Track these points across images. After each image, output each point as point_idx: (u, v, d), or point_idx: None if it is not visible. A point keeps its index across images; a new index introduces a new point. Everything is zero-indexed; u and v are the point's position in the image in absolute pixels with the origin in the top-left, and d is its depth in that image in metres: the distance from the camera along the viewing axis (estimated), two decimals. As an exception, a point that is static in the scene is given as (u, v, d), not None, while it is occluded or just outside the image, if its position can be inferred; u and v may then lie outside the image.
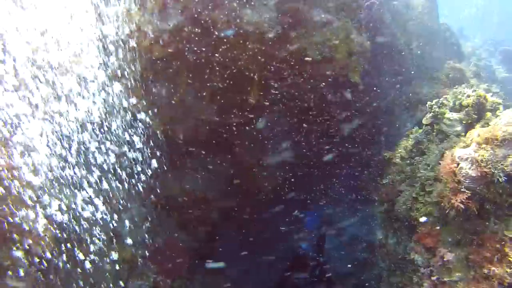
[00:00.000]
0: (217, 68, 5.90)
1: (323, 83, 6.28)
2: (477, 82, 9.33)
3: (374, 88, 8.37)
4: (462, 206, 4.20)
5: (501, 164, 4.08)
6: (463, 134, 5.75)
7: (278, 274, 9.62)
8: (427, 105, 6.92)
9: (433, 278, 4.51)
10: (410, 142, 6.70)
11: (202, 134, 6.38)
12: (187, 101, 5.94)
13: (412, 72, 9.43)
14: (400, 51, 9.22)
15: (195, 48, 5.53)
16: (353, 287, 10.34)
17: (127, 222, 5.90)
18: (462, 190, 4.23)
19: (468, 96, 6.24)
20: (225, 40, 5.52)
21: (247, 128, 7.33)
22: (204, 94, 6.11)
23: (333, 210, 12.29)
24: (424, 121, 6.78)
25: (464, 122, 6.06)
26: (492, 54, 16.47)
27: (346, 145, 9.18)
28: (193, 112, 6.00)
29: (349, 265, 11.29)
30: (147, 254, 6.07)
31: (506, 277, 3.95)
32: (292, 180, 9.27)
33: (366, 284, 9.74)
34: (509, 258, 3.96)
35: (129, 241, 5.89)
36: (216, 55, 5.65)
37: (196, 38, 5.47)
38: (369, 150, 8.96)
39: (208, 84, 6.04)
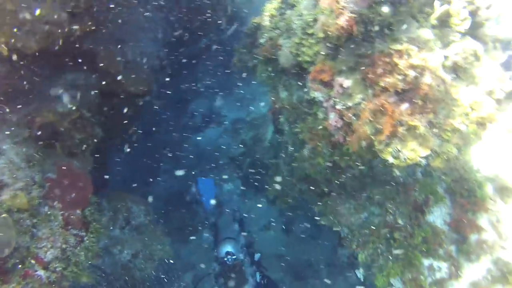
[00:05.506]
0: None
1: None
2: None
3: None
4: (346, 24, 4.39)
5: (377, -18, 4.30)
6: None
7: None
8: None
9: (338, 107, 4.81)
10: (276, 1, 6.65)
11: (57, 43, 5.41)
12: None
13: None
14: None
15: None
16: (250, 166, 10.69)
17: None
18: (346, 14, 4.41)
19: None
20: None
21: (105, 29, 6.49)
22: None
23: (213, 101, 12.27)
24: (286, -21, 6.71)
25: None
26: None
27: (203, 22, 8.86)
28: (41, 18, 4.94)
29: (237, 147, 11.63)
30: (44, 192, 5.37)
31: (399, 84, 4.39)
32: (167, 79, 8.83)
33: (264, 158, 10.20)
34: (399, 66, 4.38)
35: (17, 185, 5.08)
36: None
37: None
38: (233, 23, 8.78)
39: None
